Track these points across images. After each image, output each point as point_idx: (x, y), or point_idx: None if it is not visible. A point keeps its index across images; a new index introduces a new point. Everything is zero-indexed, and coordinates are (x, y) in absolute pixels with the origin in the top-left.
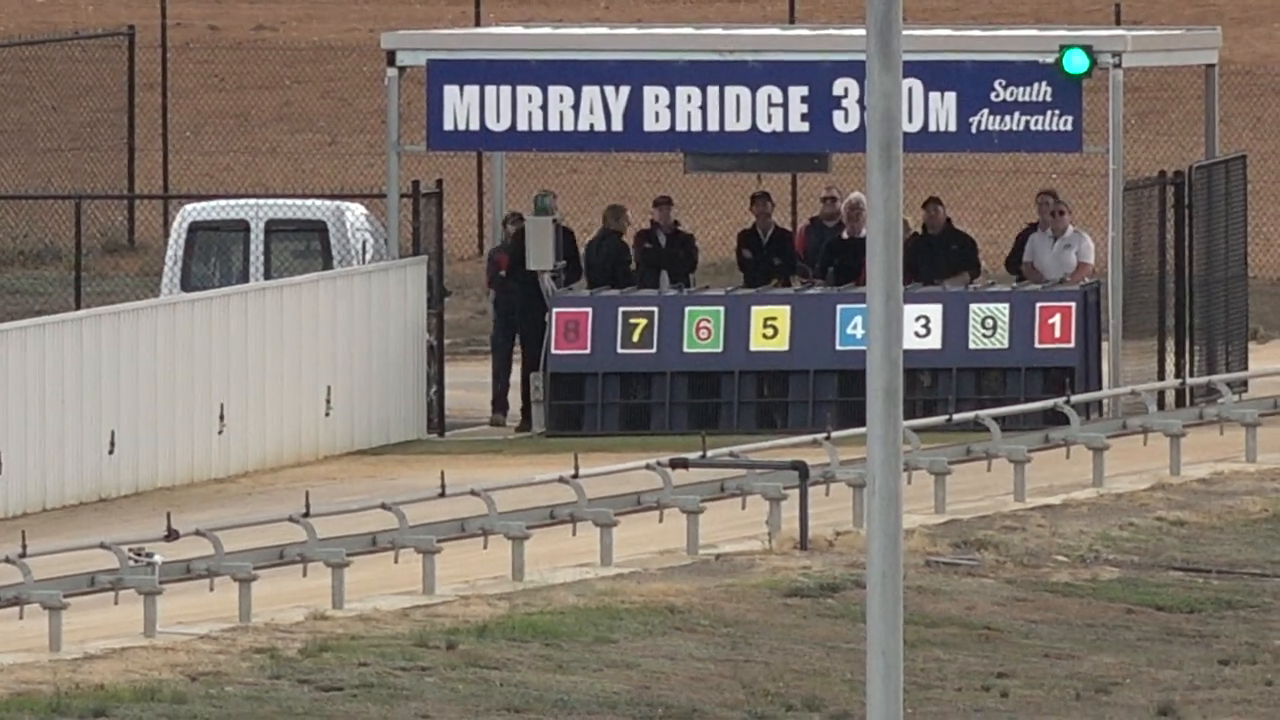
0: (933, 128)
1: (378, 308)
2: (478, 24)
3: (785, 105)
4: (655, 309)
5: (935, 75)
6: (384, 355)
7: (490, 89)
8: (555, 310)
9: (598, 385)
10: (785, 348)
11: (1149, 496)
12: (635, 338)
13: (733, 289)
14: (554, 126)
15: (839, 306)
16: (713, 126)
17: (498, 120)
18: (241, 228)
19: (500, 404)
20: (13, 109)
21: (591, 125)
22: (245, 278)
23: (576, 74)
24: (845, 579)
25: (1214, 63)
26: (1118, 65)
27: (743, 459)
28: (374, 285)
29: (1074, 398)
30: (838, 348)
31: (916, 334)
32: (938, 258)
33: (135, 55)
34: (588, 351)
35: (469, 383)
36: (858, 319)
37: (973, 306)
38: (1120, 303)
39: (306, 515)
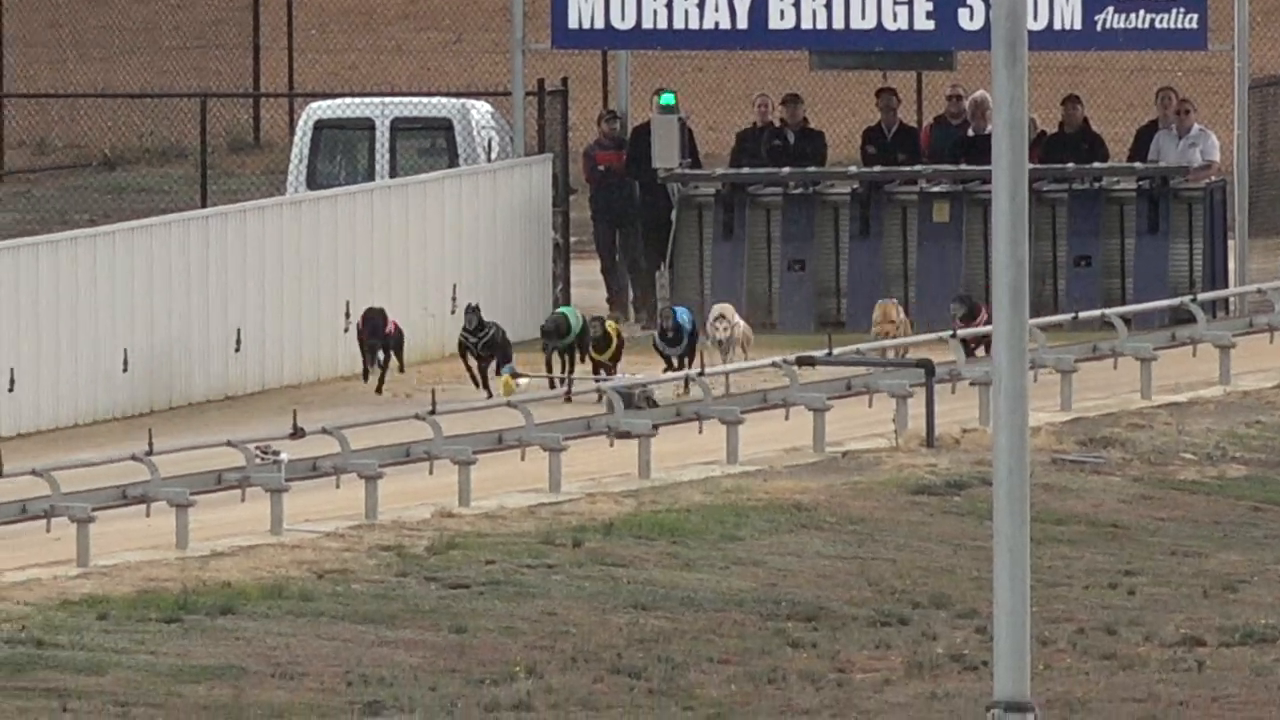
0: (1058, 26)
1: (503, 206)
2: None
3: (911, 3)
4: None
5: None
6: (509, 253)
7: None
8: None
9: None
10: None
11: (1276, 394)
12: None
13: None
14: (679, 25)
15: None
16: (838, 25)
17: (623, 19)
18: (367, 126)
19: (619, 301)
20: (138, 7)
21: (717, 23)
22: (370, 176)
23: None
24: (972, 476)
25: None
26: None
27: (869, 357)
28: (499, 183)
29: (1200, 296)
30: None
31: None
32: (1069, 156)
33: None
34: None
35: (594, 280)
36: None
37: None
38: (1246, 201)
39: (433, 413)
